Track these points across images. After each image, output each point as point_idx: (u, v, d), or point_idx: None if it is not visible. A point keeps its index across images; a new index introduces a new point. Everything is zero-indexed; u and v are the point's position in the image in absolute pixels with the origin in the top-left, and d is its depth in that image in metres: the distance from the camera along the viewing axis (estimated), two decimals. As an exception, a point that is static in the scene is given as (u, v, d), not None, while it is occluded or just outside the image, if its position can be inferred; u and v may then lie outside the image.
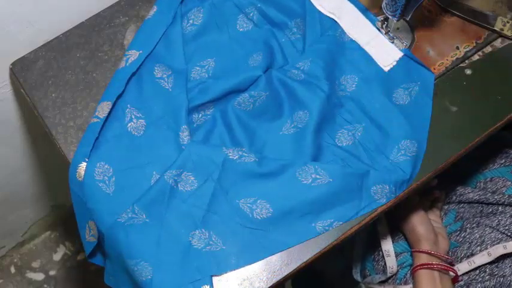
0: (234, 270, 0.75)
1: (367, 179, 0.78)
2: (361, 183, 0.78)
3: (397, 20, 0.83)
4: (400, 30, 0.89)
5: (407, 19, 0.83)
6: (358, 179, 0.78)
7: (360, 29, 0.88)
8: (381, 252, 0.98)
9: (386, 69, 0.86)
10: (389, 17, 0.83)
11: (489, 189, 0.93)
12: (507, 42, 0.89)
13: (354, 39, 0.88)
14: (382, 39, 0.87)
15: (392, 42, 0.87)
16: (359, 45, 0.87)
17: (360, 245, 1.03)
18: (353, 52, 0.87)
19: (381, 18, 0.87)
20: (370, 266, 1.01)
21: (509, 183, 0.92)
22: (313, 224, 0.77)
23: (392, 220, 0.96)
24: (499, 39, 0.89)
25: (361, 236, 1.03)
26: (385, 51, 0.86)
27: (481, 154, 0.98)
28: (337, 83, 0.85)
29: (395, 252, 0.96)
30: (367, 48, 0.87)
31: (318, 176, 0.78)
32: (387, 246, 0.96)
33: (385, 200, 0.79)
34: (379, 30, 0.88)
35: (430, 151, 0.82)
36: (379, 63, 0.86)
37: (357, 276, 1.02)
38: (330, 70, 0.85)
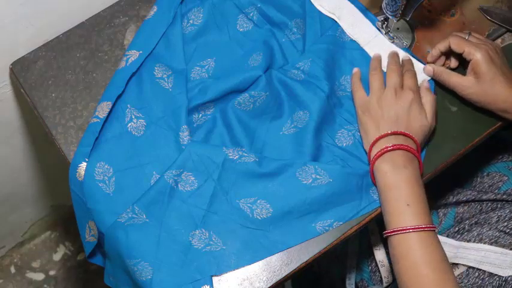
0: (234, 270, 0.75)
1: (367, 179, 0.78)
2: (361, 184, 0.78)
3: (397, 20, 0.83)
4: (400, 30, 0.89)
5: (407, 19, 0.83)
6: (358, 179, 0.78)
7: (360, 29, 0.88)
8: (376, 263, 0.98)
9: (386, 69, 0.85)
10: (390, 17, 0.83)
11: (486, 184, 0.93)
12: (507, 42, 0.89)
13: (354, 39, 0.88)
14: (382, 39, 0.87)
15: (393, 42, 0.87)
16: (359, 45, 0.87)
17: (353, 256, 1.02)
18: (353, 52, 0.87)
19: (381, 18, 0.87)
20: (367, 276, 1.01)
21: (506, 178, 0.92)
22: (313, 224, 0.77)
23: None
24: (499, 39, 0.89)
25: (353, 247, 1.02)
26: (385, 52, 0.86)
27: (479, 155, 0.97)
28: (337, 83, 0.85)
29: (391, 263, 0.95)
30: (367, 48, 0.87)
31: (318, 176, 0.78)
32: (381, 256, 0.96)
33: (385, 200, 0.78)
34: (379, 30, 0.88)
35: (430, 151, 0.82)
36: (379, 63, 0.86)
37: (351, 287, 1.02)
38: (330, 70, 0.85)
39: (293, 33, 0.88)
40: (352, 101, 0.84)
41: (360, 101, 0.81)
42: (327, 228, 0.77)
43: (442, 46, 0.84)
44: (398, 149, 0.76)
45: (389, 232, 0.73)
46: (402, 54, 0.86)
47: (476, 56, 0.78)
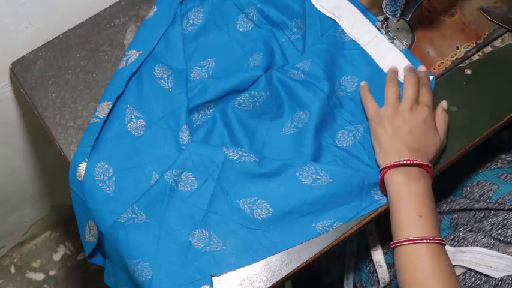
0: (234, 270, 0.75)
1: (368, 180, 0.78)
2: (361, 184, 0.78)
3: (397, 20, 0.82)
4: (400, 30, 0.89)
5: (407, 19, 0.83)
6: (359, 180, 0.78)
7: (360, 29, 0.88)
8: (373, 264, 0.97)
9: (386, 69, 0.86)
10: (390, 17, 0.83)
11: (476, 194, 0.93)
12: (507, 42, 0.89)
13: (353, 39, 0.88)
14: (382, 39, 0.87)
15: (392, 42, 0.87)
16: (359, 45, 0.87)
17: (351, 257, 1.02)
18: (353, 52, 0.87)
19: (381, 18, 0.87)
20: (365, 277, 1.01)
21: (496, 187, 0.90)
22: (313, 225, 0.77)
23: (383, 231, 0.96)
24: (499, 39, 0.89)
25: (351, 248, 1.02)
26: (385, 52, 0.86)
27: (480, 155, 0.97)
28: (337, 83, 0.85)
29: (388, 264, 0.95)
30: (367, 48, 0.87)
31: (318, 177, 0.78)
32: (378, 257, 0.96)
33: (385, 201, 0.78)
34: (379, 30, 0.88)
35: (430, 151, 0.82)
36: (379, 64, 0.86)
37: (349, 287, 1.02)
38: (330, 71, 0.85)
39: (293, 33, 0.88)
40: (352, 101, 0.84)
41: (373, 112, 0.81)
42: (327, 228, 0.77)
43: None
44: (413, 165, 0.75)
45: (398, 242, 0.72)
46: (416, 66, 0.85)
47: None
